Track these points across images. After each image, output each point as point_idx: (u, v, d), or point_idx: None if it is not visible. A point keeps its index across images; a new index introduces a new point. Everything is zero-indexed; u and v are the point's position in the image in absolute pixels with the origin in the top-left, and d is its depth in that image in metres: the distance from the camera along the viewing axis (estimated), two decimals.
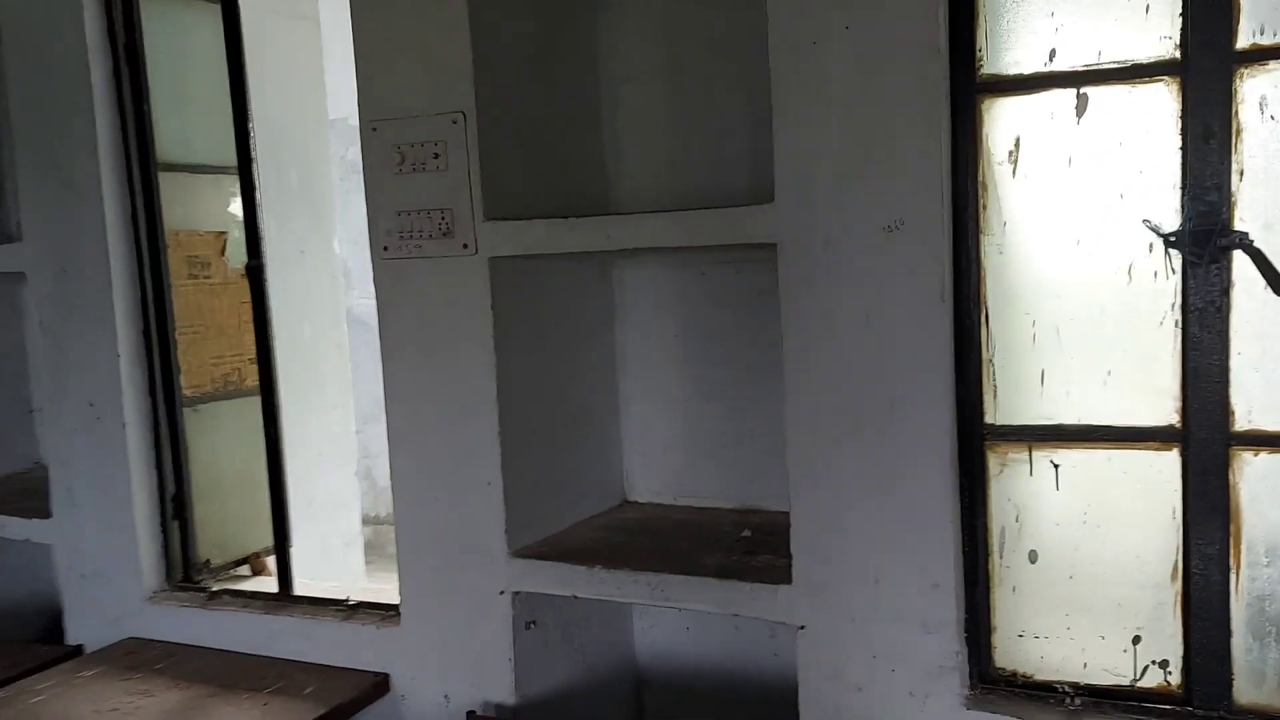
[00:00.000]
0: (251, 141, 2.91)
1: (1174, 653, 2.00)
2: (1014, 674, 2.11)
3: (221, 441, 3.19)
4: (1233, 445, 1.92)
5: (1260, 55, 1.84)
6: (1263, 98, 1.84)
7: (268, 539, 3.09)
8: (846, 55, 2.02)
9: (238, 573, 3.19)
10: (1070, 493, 2.05)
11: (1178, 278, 1.92)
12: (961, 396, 2.05)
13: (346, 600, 2.85)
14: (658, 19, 2.69)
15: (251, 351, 3.09)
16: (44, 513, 3.20)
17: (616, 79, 2.76)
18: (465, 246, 2.42)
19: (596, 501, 2.83)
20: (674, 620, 2.91)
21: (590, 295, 2.79)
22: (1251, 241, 1.86)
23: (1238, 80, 1.85)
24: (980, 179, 2.03)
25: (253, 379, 3.16)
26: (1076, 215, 1.98)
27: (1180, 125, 1.89)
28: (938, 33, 1.96)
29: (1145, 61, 1.91)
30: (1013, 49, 2.00)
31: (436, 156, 2.42)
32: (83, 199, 2.97)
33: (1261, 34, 1.84)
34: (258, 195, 2.93)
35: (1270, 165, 1.85)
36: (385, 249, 2.52)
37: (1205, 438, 1.93)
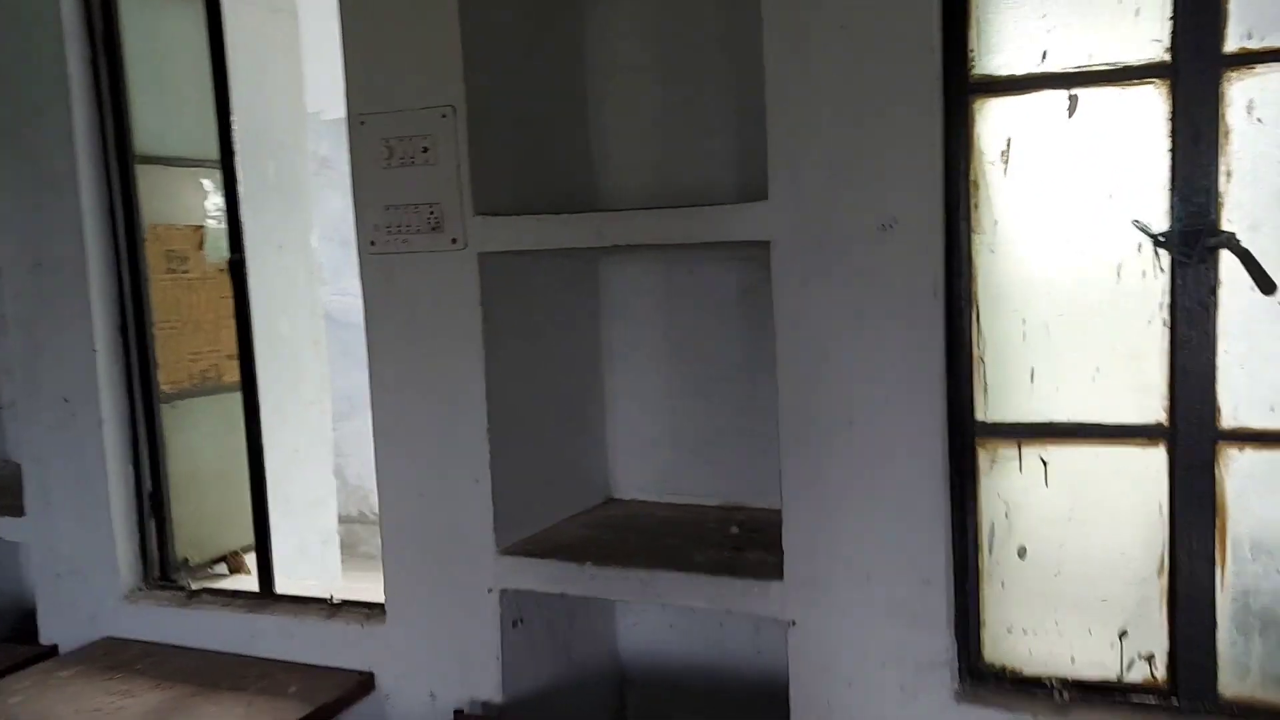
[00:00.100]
0: (233, 135, 2.87)
1: (1160, 647, 2.03)
2: (1003, 669, 2.14)
3: (199, 438, 3.15)
4: (1219, 442, 1.95)
5: (1248, 59, 1.87)
6: (1250, 100, 1.88)
7: (246, 537, 3.05)
8: (841, 54, 2.04)
9: (215, 571, 3.15)
10: (1059, 489, 2.07)
11: (1166, 277, 1.95)
12: (952, 393, 2.07)
13: (330, 599, 2.82)
14: (648, 14, 2.69)
15: (229, 347, 3.05)
16: (17, 510, 3.14)
17: (605, 74, 2.75)
18: (454, 241, 2.41)
19: (581, 498, 2.82)
20: (657, 618, 2.91)
21: (577, 291, 2.78)
22: (1239, 241, 1.90)
23: (1226, 83, 1.88)
24: (972, 178, 2.05)
25: (230, 375, 3.13)
26: (1067, 215, 2.01)
27: (1169, 127, 1.93)
28: (932, 32, 1.98)
29: (1135, 64, 1.94)
30: (1005, 50, 2.02)
31: (425, 150, 2.41)
32: (58, 191, 2.91)
33: (1250, 38, 1.87)
34: (239, 189, 2.90)
35: (1257, 167, 1.88)
36: (372, 244, 2.50)
37: (1192, 435, 1.96)
